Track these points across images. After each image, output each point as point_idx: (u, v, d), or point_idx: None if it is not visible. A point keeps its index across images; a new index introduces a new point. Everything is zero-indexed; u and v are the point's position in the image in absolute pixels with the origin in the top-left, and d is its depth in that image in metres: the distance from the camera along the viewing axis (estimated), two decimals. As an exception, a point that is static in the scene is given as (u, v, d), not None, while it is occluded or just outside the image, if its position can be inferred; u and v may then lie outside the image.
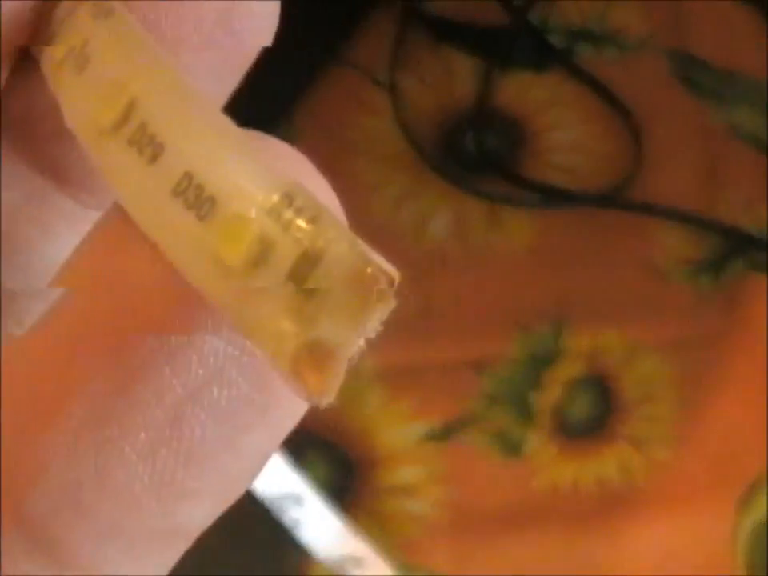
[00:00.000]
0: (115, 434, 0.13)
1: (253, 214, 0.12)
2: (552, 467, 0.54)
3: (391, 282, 0.13)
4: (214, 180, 0.13)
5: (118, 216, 0.13)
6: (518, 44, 0.62)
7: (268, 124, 0.59)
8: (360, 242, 0.13)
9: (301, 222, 0.12)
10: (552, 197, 0.59)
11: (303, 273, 0.12)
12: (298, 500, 0.50)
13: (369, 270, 0.12)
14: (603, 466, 0.54)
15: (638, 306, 0.57)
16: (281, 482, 0.50)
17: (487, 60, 0.61)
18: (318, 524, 0.50)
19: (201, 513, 0.14)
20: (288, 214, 0.12)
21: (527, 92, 0.61)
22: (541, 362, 0.56)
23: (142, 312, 0.13)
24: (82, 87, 0.14)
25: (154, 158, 0.13)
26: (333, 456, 0.53)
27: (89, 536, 0.13)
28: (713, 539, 0.53)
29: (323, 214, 0.13)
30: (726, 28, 0.61)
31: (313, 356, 0.12)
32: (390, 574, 0.50)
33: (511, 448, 0.54)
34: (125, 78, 0.13)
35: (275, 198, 0.13)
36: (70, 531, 0.13)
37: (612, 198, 0.59)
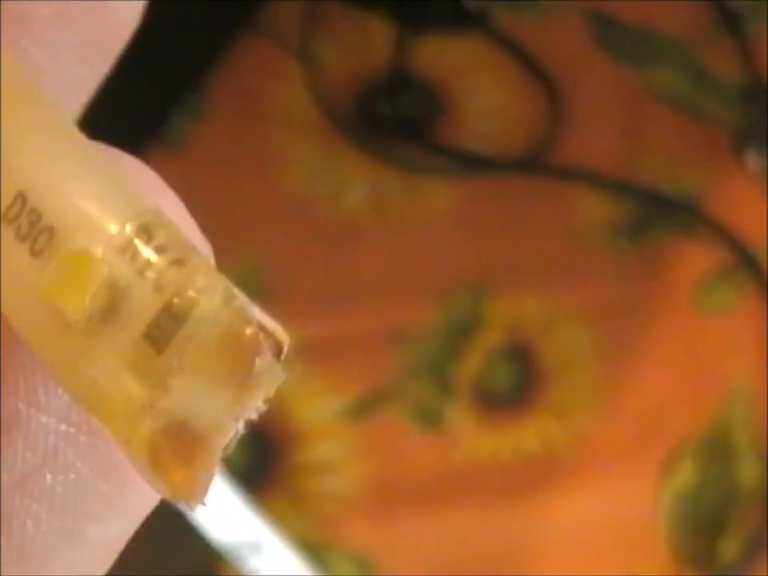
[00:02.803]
0: None
1: (100, 251, 0.10)
2: (472, 439, 0.53)
3: (279, 347, 0.10)
4: (54, 205, 0.10)
5: None
6: (433, 7, 0.60)
7: (176, 95, 0.57)
8: (238, 292, 0.10)
9: (162, 265, 0.10)
10: (470, 163, 0.58)
11: (164, 332, 0.10)
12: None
13: (249, 331, 0.10)
14: (524, 435, 0.53)
15: (557, 272, 0.56)
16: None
17: (402, 24, 0.59)
18: (214, 507, 0.48)
19: None
20: (146, 253, 0.10)
21: (443, 56, 0.59)
22: (460, 332, 0.55)
23: None
24: None
25: None
26: (247, 434, 0.52)
27: None
28: (635, 506, 0.52)
29: (191, 254, 0.10)
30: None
31: (177, 443, 0.10)
32: (291, 559, 0.49)
33: (430, 420, 0.53)
34: None
35: (129, 231, 0.10)
36: None
37: (531, 163, 0.58)
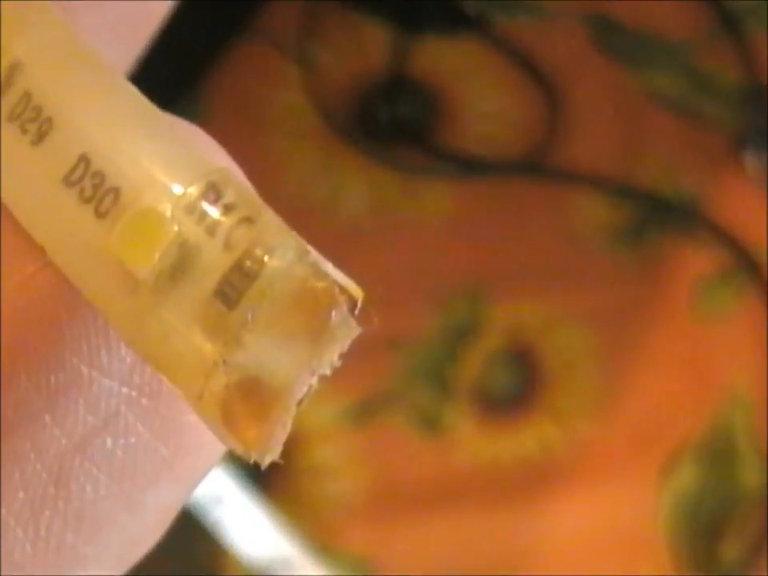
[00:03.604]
0: None
1: (168, 210, 0.10)
2: (472, 443, 0.53)
3: (353, 303, 0.10)
4: (118, 166, 0.10)
5: None
6: (431, 11, 0.60)
7: (173, 99, 0.57)
8: (311, 249, 0.10)
9: (231, 223, 0.10)
10: (469, 167, 0.58)
11: (236, 289, 0.10)
12: (218, 499, 0.48)
13: (323, 285, 0.10)
14: (523, 440, 0.53)
15: (557, 276, 0.56)
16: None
17: (400, 27, 0.59)
18: (240, 524, 0.48)
19: None
20: (214, 211, 0.10)
21: (441, 60, 0.59)
22: (459, 336, 0.55)
23: (12, 344, 0.10)
24: None
25: (40, 138, 0.10)
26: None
27: None
28: (635, 511, 0.52)
29: (261, 211, 0.10)
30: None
31: (250, 398, 0.10)
32: (319, 573, 0.49)
33: (430, 425, 0.53)
34: (7, 36, 0.10)
35: (197, 190, 0.10)
36: None
37: (530, 167, 0.58)
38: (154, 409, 0.11)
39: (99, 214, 0.10)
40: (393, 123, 0.59)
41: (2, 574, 0.11)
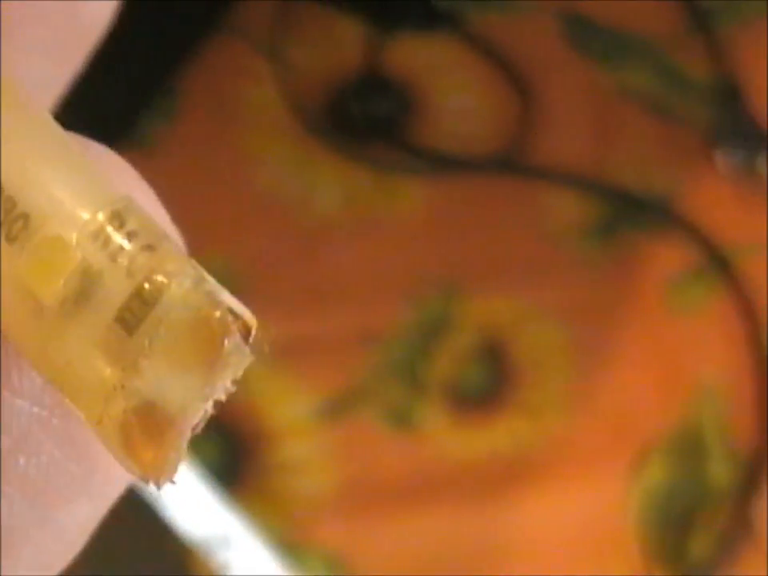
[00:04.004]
0: None
1: (73, 237, 0.10)
2: (444, 439, 0.53)
3: (247, 330, 0.10)
4: (28, 193, 0.10)
5: None
6: (405, 7, 0.60)
7: (147, 96, 0.57)
8: (208, 277, 0.10)
9: (133, 250, 0.10)
10: (442, 163, 0.58)
11: (136, 315, 0.10)
12: (187, 497, 0.48)
13: (217, 314, 0.10)
14: (496, 435, 0.53)
15: (529, 272, 0.56)
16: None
17: (373, 24, 0.59)
18: (210, 522, 0.48)
19: None
20: (117, 238, 0.10)
21: (415, 56, 0.59)
22: (432, 332, 0.55)
23: None
24: None
25: None
26: (217, 433, 0.52)
27: None
28: (606, 506, 0.53)
29: (162, 240, 0.10)
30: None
31: (147, 423, 0.10)
32: (262, 553, 0.49)
33: (402, 420, 0.53)
34: None
35: (101, 217, 0.10)
36: None
37: (503, 164, 0.58)
38: (64, 428, 0.11)
39: (9, 239, 0.10)
40: (366, 120, 0.59)
41: None
